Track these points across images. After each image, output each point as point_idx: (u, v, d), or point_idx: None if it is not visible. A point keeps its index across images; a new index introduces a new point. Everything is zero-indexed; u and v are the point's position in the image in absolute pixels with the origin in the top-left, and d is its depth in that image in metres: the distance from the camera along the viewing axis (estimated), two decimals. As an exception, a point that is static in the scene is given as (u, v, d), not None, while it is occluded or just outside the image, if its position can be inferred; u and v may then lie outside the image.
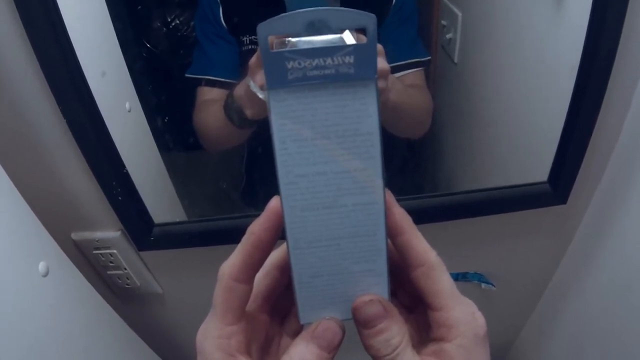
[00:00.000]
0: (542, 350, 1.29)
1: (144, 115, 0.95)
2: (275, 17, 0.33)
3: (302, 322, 0.41)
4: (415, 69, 1.04)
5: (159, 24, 1.13)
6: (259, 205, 1.11)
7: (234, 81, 0.99)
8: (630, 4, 0.74)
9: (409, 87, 1.02)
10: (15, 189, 0.73)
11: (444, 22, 1.16)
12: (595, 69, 0.80)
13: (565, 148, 0.88)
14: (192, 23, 1.11)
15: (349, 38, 0.35)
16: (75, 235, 0.95)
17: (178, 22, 1.13)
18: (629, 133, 0.90)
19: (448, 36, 1.16)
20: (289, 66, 0.33)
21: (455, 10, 1.12)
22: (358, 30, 0.35)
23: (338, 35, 0.35)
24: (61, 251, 0.81)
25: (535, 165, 0.97)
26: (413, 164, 1.21)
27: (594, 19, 0.76)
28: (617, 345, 0.99)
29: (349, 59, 0.33)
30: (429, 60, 1.07)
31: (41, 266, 0.73)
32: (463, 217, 0.95)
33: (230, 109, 0.90)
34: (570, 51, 0.82)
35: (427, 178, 1.28)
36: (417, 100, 1.04)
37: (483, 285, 1.14)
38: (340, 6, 0.63)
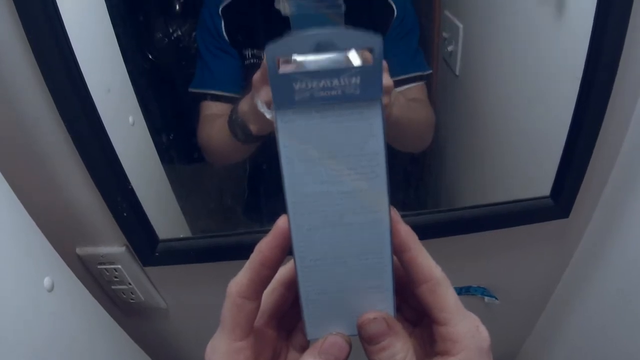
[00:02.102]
0: (545, 362, 1.29)
1: (147, 129, 0.95)
2: (283, 38, 0.33)
3: (309, 337, 0.42)
4: (417, 83, 1.05)
5: (160, 36, 1.13)
6: (262, 219, 1.12)
7: (237, 95, 0.99)
8: (633, 14, 0.75)
9: (411, 102, 1.02)
10: (20, 204, 0.73)
11: (445, 35, 1.17)
12: (598, 82, 0.80)
13: (567, 162, 0.89)
14: (193, 34, 1.11)
15: (354, 57, 0.36)
16: (80, 250, 0.95)
17: (180, 33, 1.13)
18: (630, 147, 0.90)
19: (449, 48, 1.16)
20: (297, 87, 0.33)
21: (457, 22, 1.13)
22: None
23: (343, 54, 0.35)
24: (66, 266, 0.82)
25: (537, 179, 0.98)
26: (415, 178, 1.21)
27: (596, 31, 0.77)
28: (619, 358, 0.99)
29: (355, 80, 0.34)
30: (430, 74, 1.07)
31: (46, 281, 0.74)
32: (466, 232, 0.96)
33: (235, 124, 0.90)
34: (572, 63, 0.83)
35: (430, 193, 1.28)
36: (419, 114, 1.04)
37: (486, 298, 1.14)
38: (344, 21, 0.63)
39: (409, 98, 1.02)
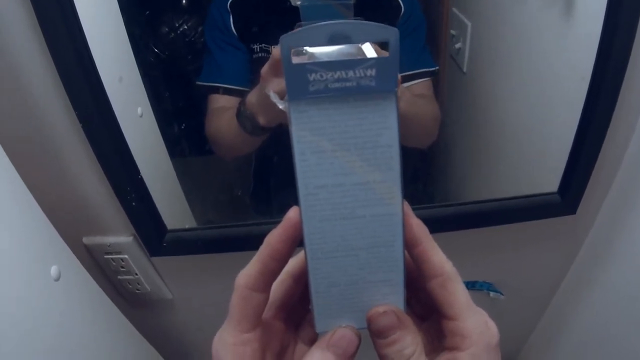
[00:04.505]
0: (549, 358, 1.29)
1: (155, 121, 0.96)
2: (299, 29, 0.33)
3: (318, 330, 0.41)
4: (423, 79, 1.05)
5: (167, 29, 1.13)
6: (268, 211, 1.11)
7: (245, 89, 0.99)
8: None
9: (417, 97, 1.03)
10: (28, 192, 0.73)
11: (453, 32, 1.17)
12: (606, 80, 0.80)
13: (575, 159, 0.89)
14: (200, 28, 1.12)
15: (369, 50, 0.35)
16: (87, 240, 0.95)
17: (186, 27, 1.13)
18: (638, 143, 0.90)
19: (457, 46, 1.16)
20: (311, 78, 0.33)
21: (465, 20, 1.12)
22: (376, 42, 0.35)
23: (356, 46, 0.35)
24: (73, 255, 0.82)
25: (545, 175, 0.98)
26: (424, 173, 1.21)
27: (607, 30, 0.76)
28: (624, 355, 0.99)
29: (371, 72, 0.33)
30: (436, 70, 1.07)
31: (53, 270, 0.74)
32: (473, 226, 0.96)
33: (243, 116, 0.90)
34: (580, 61, 0.83)
35: (438, 187, 1.28)
36: (425, 110, 1.04)
37: (492, 293, 1.14)
38: (354, 15, 0.63)
39: (415, 94, 1.03)
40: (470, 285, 1.13)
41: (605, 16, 0.76)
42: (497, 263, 1.12)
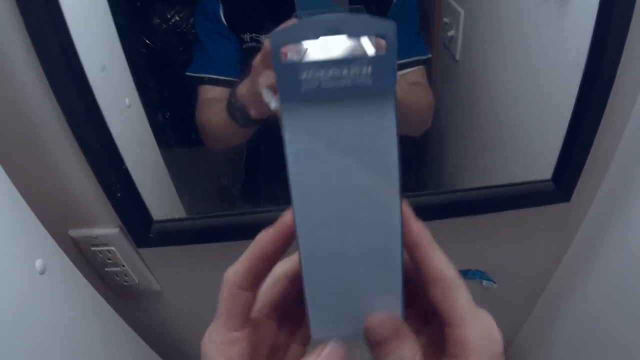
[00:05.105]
0: (542, 347, 1.30)
1: (143, 111, 0.95)
2: (290, 25, 0.31)
3: (313, 335, 0.40)
4: (417, 67, 1.04)
5: (158, 20, 1.12)
6: (259, 202, 1.10)
7: (235, 79, 0.98)
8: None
9: (411, 85, 1.02)
10: (12, 185, 0.72)
11: (446, 20, 1.16)
12: (602, 67, 0.79)
13: (569, 146, 0.88)
14: (191, 19, 1.11)
15: (367, 44, 0.34)
16: (72, 232, 0.94)
17: (178, 18, 1.12)
18: (633, 131, 0.90)
19: (450, 33, 1.15)
20: (303, 77, 0.31)
21: (457, 7, 1.12)
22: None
23: (354, 41, 0.33)
24: (59, 248, 0.81)
25: (539, 163, 0.97)
26: (417, 161, 1.20)
27: (601, 17, 0.76)
28: (618, 345, 0.99)
29: (367, 70, 0.32)
30: (429, 58, 1.07)
31: (38, 264, 0.73)
32: (466, 214, 0.96)
33: (234, 108, 0.89)
34: (574, 48, 0.82)
35: (431, 175, 1.28)
36: (419, 98, 1.04)
37: (484, 282, 1.14)
38: (349, 3, 0.62)
39: (409, 82, 1.02)
40: (463, 274, 1.13)
41: (600, 1, 0.75)
42: (490, 251, 1.12)
